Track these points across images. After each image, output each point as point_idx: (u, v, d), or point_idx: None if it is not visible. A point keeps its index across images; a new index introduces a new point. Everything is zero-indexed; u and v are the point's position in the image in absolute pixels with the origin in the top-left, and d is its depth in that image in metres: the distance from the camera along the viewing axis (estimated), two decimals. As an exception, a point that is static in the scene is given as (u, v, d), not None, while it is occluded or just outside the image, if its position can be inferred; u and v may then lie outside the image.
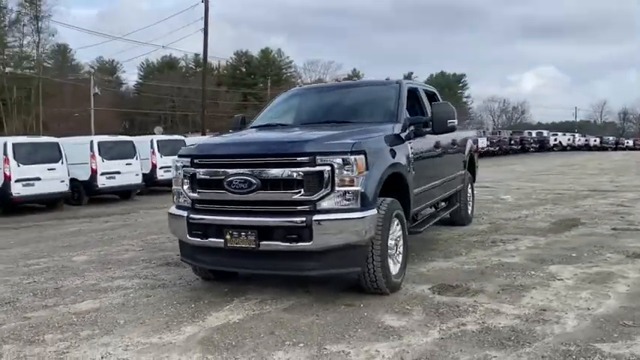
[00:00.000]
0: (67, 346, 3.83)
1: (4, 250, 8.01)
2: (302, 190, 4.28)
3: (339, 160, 4.27)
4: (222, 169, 4.51)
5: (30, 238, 9.26)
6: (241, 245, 4.42)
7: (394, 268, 4.86)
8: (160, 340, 3.88)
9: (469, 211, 8.29)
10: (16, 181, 12.46)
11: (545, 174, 19.90)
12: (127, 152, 15.25)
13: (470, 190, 8.45)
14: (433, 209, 7.20)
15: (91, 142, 14.68)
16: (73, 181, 13.78)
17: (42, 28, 49.14)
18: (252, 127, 6.05)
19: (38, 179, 12.83)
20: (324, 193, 4.27)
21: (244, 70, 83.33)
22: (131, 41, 58.87)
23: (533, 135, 50.23)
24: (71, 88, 53.72)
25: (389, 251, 4.78)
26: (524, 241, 6.98)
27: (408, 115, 5.62)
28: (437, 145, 6.27)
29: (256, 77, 79.14)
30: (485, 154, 36.97)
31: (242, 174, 4.40)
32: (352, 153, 4.31)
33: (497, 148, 38.82)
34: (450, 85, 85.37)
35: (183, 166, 4.78)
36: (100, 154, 14.48)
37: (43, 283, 5.73)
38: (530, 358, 3.41)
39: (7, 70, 51.19)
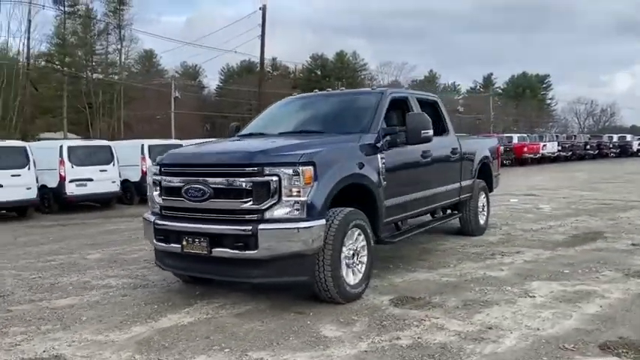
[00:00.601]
0: (23, 339, 4.17)
1: (37, 246, 8.69)
2: (251, 199, 4.42)
3: (286, 170, 4.38)
4: (182, 178, 4.74)
5: (69, 235, 9.98)
6: (195, 251, 4.63)
7: (353, 278, 4.89)
8: (104, 338, 4.15)
9: (480, 222, 8.07)
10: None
11: (606, 182, 18.80)
12: (103, 158, 14.36)
13: (483, 200, 8.22)
14: (430, 217, 7.10)
15: (60, 146, 13.85)
16: (42, 188, 13.32)
17: (124, 36, 52.13)
18: (237, 136, 6.26)
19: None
20: (272, 203, 4.39)
21: (319, 73, 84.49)
22: (203, 47, 61.14)
23: (615, 139, 47.25)
24: (155, 92, 56.58)
25: (346, 261, 4.82)
26: (526, 255, 6.73)
27: (385, 126, 5.60)
28: (424, 155, 6.19)
29: (331, 80, 79.87)
30: (555, 159, 35.44)
31: (197, 182, 4.61)
32: (300, 164, 4.41)
33: (569, 154, 36.96)
34: (532, 86, 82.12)
35: (154, 174, 5.05)
36: (69, 159, 13.63)
37: (45, 278, 6.20)
38: (437, 376, 3.37)
39: (95, 75, 54.54)
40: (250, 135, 6.10)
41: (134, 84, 53.02)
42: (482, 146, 8.26)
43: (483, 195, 8.24)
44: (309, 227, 4.39)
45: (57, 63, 47.34)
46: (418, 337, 4.02)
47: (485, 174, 8.45)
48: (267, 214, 4.40)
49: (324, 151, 4.74)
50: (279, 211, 4.40)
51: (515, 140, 33.89)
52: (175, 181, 4.78)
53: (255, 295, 5.16)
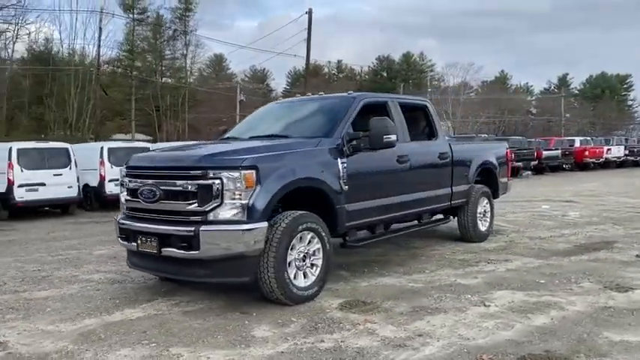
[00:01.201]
0: (-18, 326, 4.55)
1: (60, 242, 9.28)
2: (196, 201, 4.60)
3: (228, 174, 4.52)
4: (140, 180, 4.99)
5: (97, 231, 10.56)
6: (147, 250, 4.87)
7: (304, 281, 4.97)
8: (54, 329, 4.45)
9: (480, 228, 7.88)
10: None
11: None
12: (58, 161, 13.50)
13: (485, 206, 8.02)
14: (417, 222, 7.03)
15: (10, 149, 12.91)
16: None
17: (190, 41, 54.02)
18: (219, 139, 6.47)
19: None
20: (214, 205, 4.54)
21: (385, 74, 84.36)
22: (265, 51, 62.34)
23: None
24: (222, 95, 58.28)
25: (296, 263, 4.91)
26: (513, 264, 6.54)
27: (352, 131, 5.62)
28: (400, 160, 6.15)
29: (397, 81, 79.39)
30: (622, 164, 33.51)
31: (150, 184, 4.84)
32: (242, 168, 4.54)
33: (638, 158, 34.84)
34: (611, 87, 78.01)
35: (122, 176, 5.34)
36: (18, 162, 12.82)
37: (42, 272, 6.65)
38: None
39: (164, 80, 56.81)
40: (227, 138, 6.30)
41: (199, 88, 54.90)
42: (482, 151, 8.07)
43: (485, 201, 8.04)
44: (250, 229, 4.52)
45: (126, 68, 49.76)
46: (342, 341, 4.05)
47: (489, 179, 8.25)
48: (211, 216, 4.56)
49: (269, 155, 4.86)
50: (221, 214, 4.55)
51: (577, 144, 32.36)
52: (134, 183, 5.03)
53: (216, 294, 5.32)
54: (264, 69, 78.52)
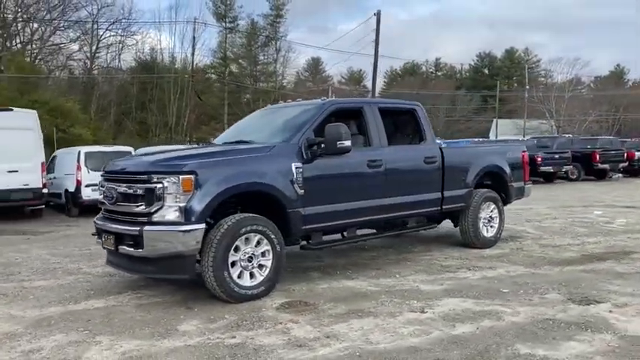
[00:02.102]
0: (-38, 309, 5.24)
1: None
2: (143, 204, 5.01)
3: (168, 179, 4.89)
4: (108, 183, 5.48)
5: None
6: (107, 247, 5.36)
7: (249, 281, 5.21)
8: (20, 314, 5.03)
9: (484, 234, 7.66)
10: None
11: None
12: None
13: (491, 211, 7.78)
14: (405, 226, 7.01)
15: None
16: None
17: (280, 47, 55.64)
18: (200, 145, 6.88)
19: None
20: (157, 207, 4.93)
21: (486, 72, 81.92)
22: (359, 53, 62.44)
23: None
24: (316, 97, 59.27)
25: (242, 264, 5.17)
26: (496, 271, 6.35)
27: (312, 136, 5.77)
28: (372, 165, 6.18)
29: (498, 79, 76.81)
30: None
31: (110, 188, 5.32)
32: (182, 173, 4.89)
33: None
34: None
35: (100, 179, 5.88)
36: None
37: (58, 264, 7.39)
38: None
39: (259, 84, 58.94)
40: (209, 143, 6.69)
41: (290, 92, 56.41)
42: (484, 155, 7.83)
43: (492, 206, 7.80)
44: (187, 231, 4.85)
45: (220, 74, 52.31)
46: (251, 338, 4.26)
47: (499, 184, 8.00)
48: (154, 217, 4.95)
49: (210, 161, 5.16)
50: (162, 215, 4.92)
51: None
52: (104, 186, 5.54)
53: (180, 289, 5.69)
54: (361, 70, 78.75)
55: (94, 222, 5.77)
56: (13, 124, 12.75)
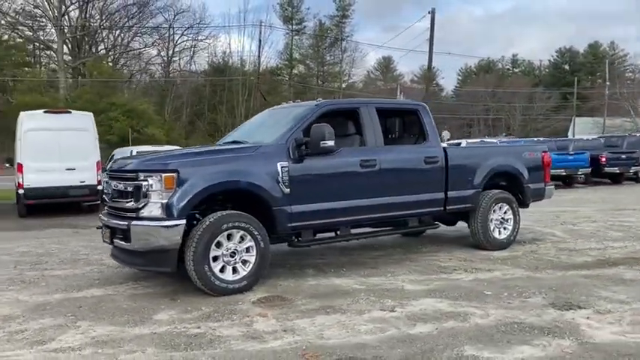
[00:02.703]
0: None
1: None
2: (132, 200, 5.38)
3: (152, 177, 5.22)
4: (109, 180, 5.90)
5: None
6: (106, 240, 5.76)
7: (232, 275, 5.46)
8: (26, 299, 5.51)
9: (495, 235, 7.51)
10: None
11: None
12: None
13: (504, 213, 7.61)
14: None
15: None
16: None
17: (346, 47, 55.91)
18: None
19: None
20: (143, 204, 5.27)
21: (567, 68, 78.68)
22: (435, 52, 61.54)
23: None
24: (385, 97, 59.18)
25: (225, 259, 5.43)
26: (493, 274, 6.24)
27: (300, 137, 5.92)
28: (365, 164, 6.25)
29: (580, 75, 73.49)
30: None
31: (109, 185, 5.73)
32: (164, 171, 5.21)
33: None
34: None
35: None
36: None
37: (86, 255, 7.93)
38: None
39: (324, 84, 59.54)
40: (209, 145, 7.01)
41: (354, 92, 56.53)
42: (495, 155, 7.66)
43: (506, 207, 7.62)
44: (168, 226, 5.16)
45: (285, 75, 53.33)
46: (213, 329, 4.48)
47: (514, 185, 7.82)
48: (141, 213, 5.29)
49: (193, 161, 5.44)
50: (149, 211, 5.25)
51: None
52: (108, 183, 5.96)
53: (175, 282, 6.02)
54: (434, 67, 77.22)
55: (99, 217, 6.21)
56: (71, 126, 13.74)
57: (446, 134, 40.19)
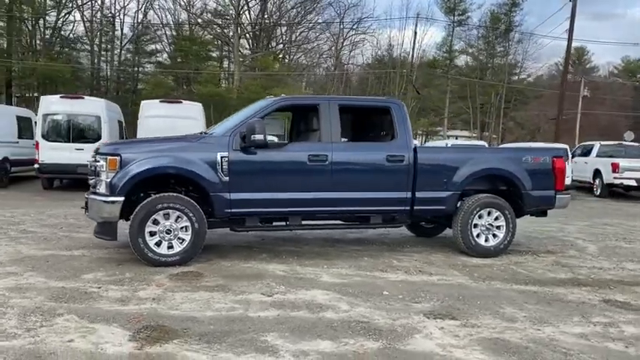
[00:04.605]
0: None
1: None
2: (94, 177, 6.39)
3: (101, 159, 6.18)
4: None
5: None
6: (84, 211, 6.85)
7: (167, 250, 6.19)
8: (24, 251, 6.84)
9: (479, 242, 7.13)
10: None
11: None
12: None
13: (498, 220, 7.19)
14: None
15: None
16: None
17: (513, 37, 52.37)
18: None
19: None
20: (97, 181, 6.25)
21: None
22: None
23: None
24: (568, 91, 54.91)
25: (160, 235, 6.18)
26: (431, 278, 6.11)
27: (243, 130, 6.36)
28: (315, 159, 6.48)
29: None
30: None
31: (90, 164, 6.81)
32: (110, 155, 6.13)
33: None
34: None
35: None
36: None
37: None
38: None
39: (489, 77, 56.78)
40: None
41: (516, 86, 53.17)
42: (483, 158, 7.23)
43: (496, 213, 7.20)
44: (109, 201, 6.06)
45: (444, 68, 51.95)
46: (106, 291, 5.26)
47: (512, 190, 7.36)
48: (96, 189, 6.28)
49: (136, 147, 6.24)
50: (99, 188, 6.22)
51: None
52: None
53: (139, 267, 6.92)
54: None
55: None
56: (182, 114, 15.51)
57: (628, 135, 36.15)
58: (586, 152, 20.54)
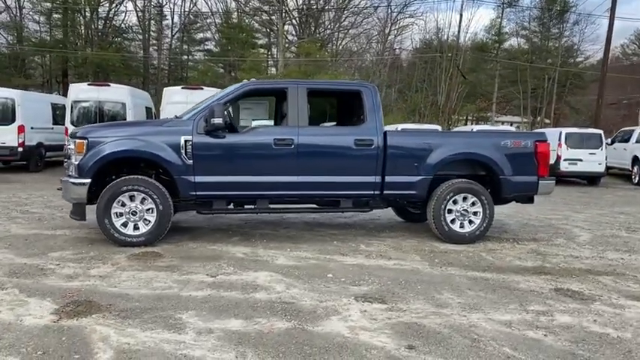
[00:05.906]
0: None
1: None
2: (67, 160, 6.68)
3: (72, 142, 6.45)
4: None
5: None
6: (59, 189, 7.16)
7: (132, 231, 6.42)
8: (13, 230, 7.27)
9: (456, 228, 7.01)
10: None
11: None
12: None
13: (474, 205, 7.03)
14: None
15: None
16: None
17: (568, 18, 49.94)
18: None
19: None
20: (69, 163, 6.54)
21: None
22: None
23: None
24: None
25: (126, 216, 6.41)
26: (388, 263, 6.09)
27: (207, 114, 6.43)
28: (280, 143, 6.53)
29: None
30: None
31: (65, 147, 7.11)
32: (78, 138, 6.38)
33: None
34: None
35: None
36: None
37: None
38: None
39: (549, 61, 54.52)
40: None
41: (569, 69, 50.79)
42: (457, 141, 7.04)
43: (472, 199, 7.04)
44: (77, 183, 6.33)
45: (492, 51, 50.29)
46: (57, 265, 5.54)
47: (487, 175, 7.17)
48: (68, 171, 6.56)
49: (104, 131, 6.46)
50: (70, 170, 6.50)
51: None
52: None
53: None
54: None
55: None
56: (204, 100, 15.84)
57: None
58: (627, 138, 19.57)
